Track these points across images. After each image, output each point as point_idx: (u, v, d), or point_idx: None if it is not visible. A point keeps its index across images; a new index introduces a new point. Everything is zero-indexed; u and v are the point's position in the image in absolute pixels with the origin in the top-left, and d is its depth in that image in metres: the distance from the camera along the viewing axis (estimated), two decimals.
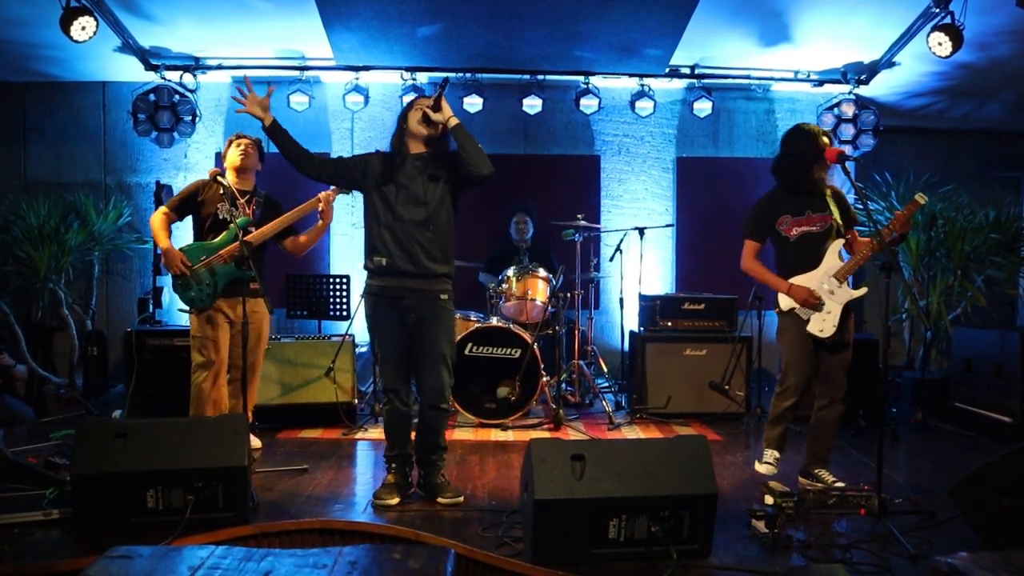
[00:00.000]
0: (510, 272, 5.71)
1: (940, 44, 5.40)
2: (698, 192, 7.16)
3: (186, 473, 3.07)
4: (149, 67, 6.46)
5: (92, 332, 6.57)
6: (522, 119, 6.84)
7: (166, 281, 4.23)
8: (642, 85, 6.77)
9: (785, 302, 3.78)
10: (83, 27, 5.26)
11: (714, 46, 6.41)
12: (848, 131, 6.66)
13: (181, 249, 4.16)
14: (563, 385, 5.70)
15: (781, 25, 5.98)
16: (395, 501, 3.49)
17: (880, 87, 6.71)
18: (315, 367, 5.26)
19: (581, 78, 6.67)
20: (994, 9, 5.35)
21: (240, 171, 4.33)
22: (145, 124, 6.42)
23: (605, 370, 6.42)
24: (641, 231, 6.10)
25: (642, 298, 5.90)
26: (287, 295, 6.07)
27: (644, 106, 6.77)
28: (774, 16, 5.87)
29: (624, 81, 6.85)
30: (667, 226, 6.68)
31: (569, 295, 5.97)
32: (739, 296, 5.69)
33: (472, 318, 5.53)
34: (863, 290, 3.79)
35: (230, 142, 4.36)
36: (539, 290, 5.60)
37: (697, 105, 6.80)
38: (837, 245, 3.75)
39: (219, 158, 4.43)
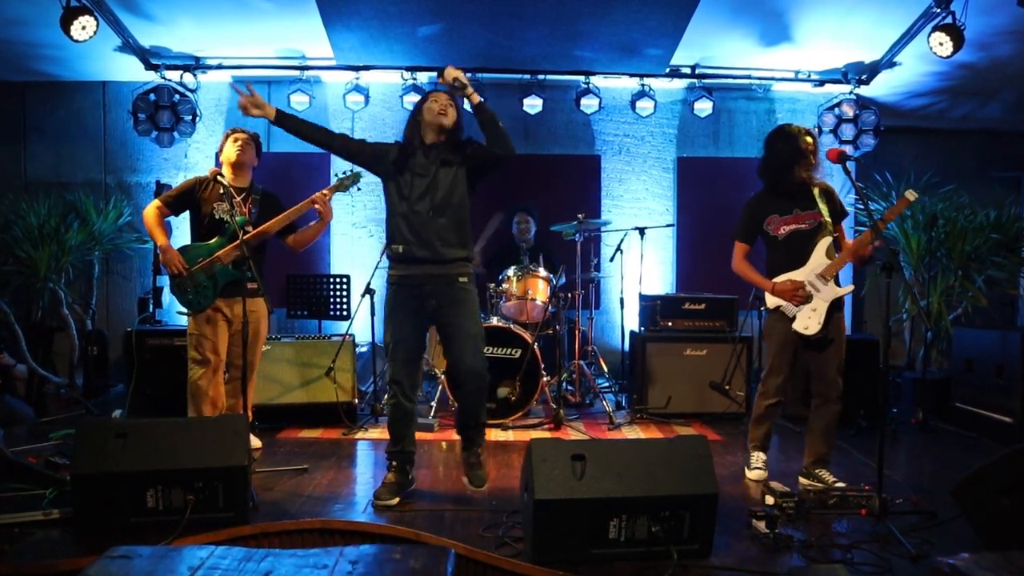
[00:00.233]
0: (510, 272, 5.70)
1: (941, 44, 5.40)
2: (699, 192, 7.15)
3: (186, 473, 3.07)
4: (149, 67, 6.46)
5: (92, 332, 6.57)
6: (523, 119, 6.83)
7: (166, 281, 4.21)
8: (643, 85, 6.76)
9: (771, 300, 3.83)
10: (83, 27, 5.26)
11: (715, 46, 6.40)
12: (849, 131, 6.66)
13: (179, 250, 4.14)
14: (563, 385, 5.70)
15: (782, 25, 5.98)
16: (395, 502, 3.48)
17: (881, 87, 6.70)
18: (315, 367, 5.26)
19: (582, 78, 6.67)
20: (995, 9, 5.35)
21: (236, 167, 4.29)
22: (145, 124, 6.42)
23: (605, 370, 6.42)
24: (642, 231, 6.10)
25: (642, 298, 5.90)
26: (287, 295, 6.07)
27: (645, 106, 6.77)
28: (775, 16, 5.87)
29: (625, 81, 6.84)
30: (667, 226, 6.68)
31: (569, 295, 5.96)
32: (739, 296, 5.69)
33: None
34: (849, 288, 3.83)
35: (227, 136, 4.32)
36: (539, 290, 5.59)
37: (698, 105, 6.80)
38: (824, 243, 3.78)
39: (218, 157, 4.39)
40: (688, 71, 6.77)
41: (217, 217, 4.21)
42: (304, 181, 6.50)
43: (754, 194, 3.97)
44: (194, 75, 6.67)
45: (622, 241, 6.15)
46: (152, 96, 6.41)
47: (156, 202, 4.26)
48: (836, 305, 3.76)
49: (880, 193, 6.63)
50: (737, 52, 6.48)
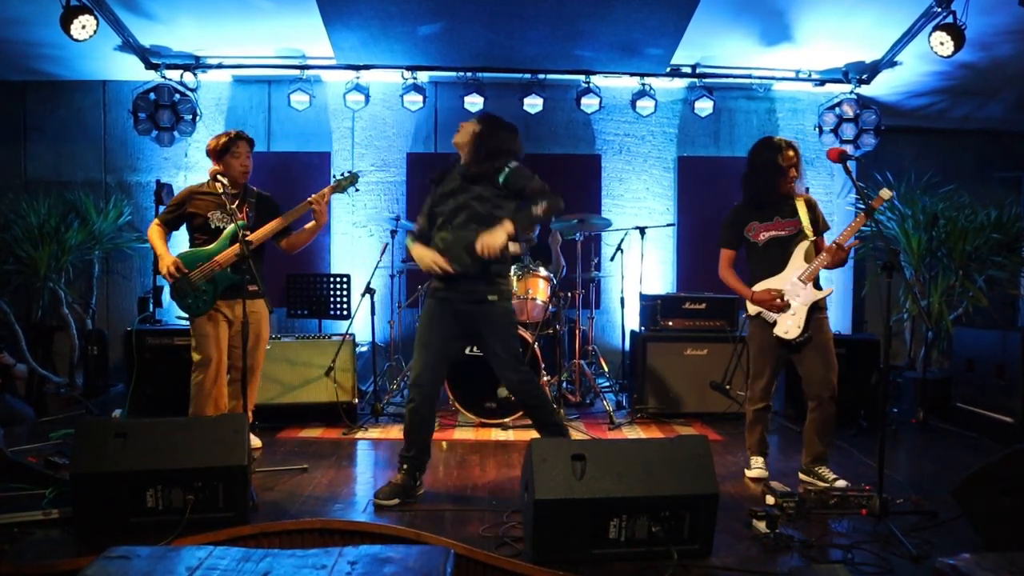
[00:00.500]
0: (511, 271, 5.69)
1: (942, 44, 5.39)
2: (699, 191, 7.15)
3: (186, 473, 3.06)
4: (149, 66, 6.45)
5: (92, 331, 6.57)
6: (523, 118, 6.82)
7: (166, 281, 4.19)
8: (643, 84, 6.76)
9: (752, 307, 3.92)
10: (83, 26, 5.25)
11: (715, 45, 6.40)
12: (849, 131, 6.65)
13: (178, 256, 4.12)
14: (564, 385, 5.70)
15: (783, 25, 5.97)
16: (394, 503, 3.47)
17: (881, 87, 6.70)
18: (315, 366, 5.26)
19: (582, 77, 6.67)
20: (996, 9, 5.34)
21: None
22: (145, 123, 6.41)
23: (606, 370, 6.42)
24: (642, 230, 6.09)
25: (643, 298, 5.90)
26: (287, 294, 6.07)
27: (645, 105, 6.77)
28: (775, 16, 5.86)
29: (625, 80, 6.84)
30: (668, 225, 6.68)
31: (570, 294, 5.96)
32: (739, 296, 5.67)
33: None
34: (829, 290, 3.87)
35: (227, 143, 4.20)
36: (540, 289, 5.58)
37: (698, 104, 6.80)
38: (804, 247, 3.82)
39: (209, 151, 4.28)
40: (689, 71, 6.76)
41: (213, 226, 4.20)
42: (304, 180, 6.51)
43: (736, 204, 4.05)
44: (194, 74, 6.67)
45: (622, 241, 6.14)
46: (152, 95, 6.40)
47: (156, 221, 4.28)
48: (817, 307, 3.79)
49: None
50: (738, 52, 6.47)
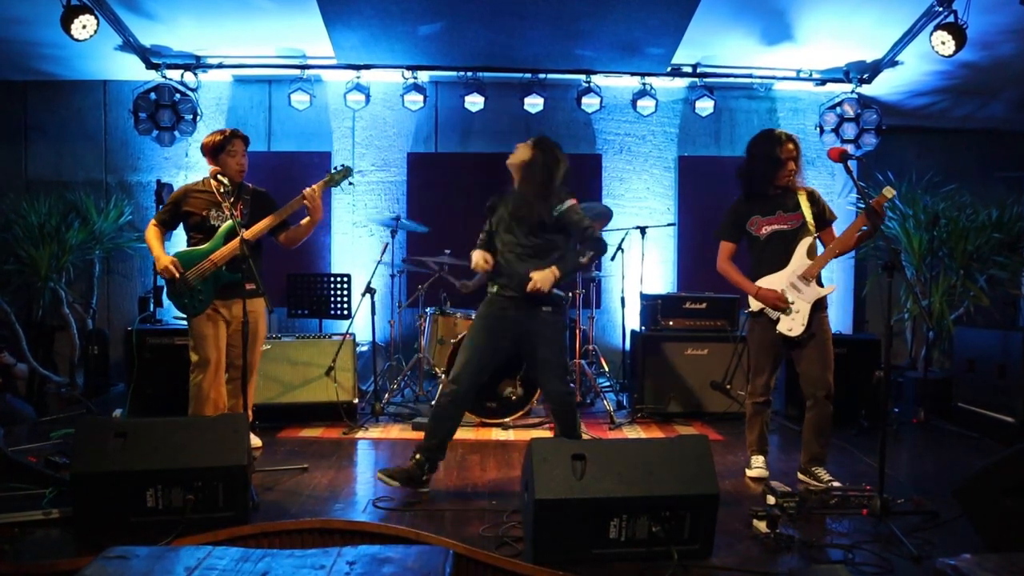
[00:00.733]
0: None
1: (943, 43, 5.38)
2: (700, 191, 7.14)
3: (186, 472, 3.06)
4: (150, 66, 6.45)
5: (93, 331, 6.57)
6: (524, 118, 6.82)
7: (164, 280, 4.18)
8: (644, 84, 6.75)
9: (755, 304, 3.87)
10: (84, 26, 5.25)
11: (716, 45, 6.39)
12: (850, 130, 6.64)
13: (175, 255, 4.11)
14: None
15: (783, 24, 5.97)
16: (394, 484, 3.57)
17: (883, 86, 6.69)
18: (316, 366, 5.26)
19: (583, 77, 6.66)
20: (997, 8, 5.33)
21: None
22: (146, 123, 6.41)
23: (606, 369, 6.41)
24: (643, 230, 6.09)
25: (643, 297, 5.89)
26: (288, 294, 6.07)
27: (646, 105, 6.76)
28: (776, 15, 5.86)
29: (626, 80, 6.83)
30: (668, 225, 6.67)
31: (570, 294, 5.95)
32: (740, 295, 5.65)
33: (473, 317, 5.51)
34: (831, 287, 3.84)
35: (223, 141, 4.18)
36: None
37: (699, 104, 6.79)
38: (806, 243, 3.79)
39: (204, 148, 4.26)
40: (689, 70, 6.76)
41: (210, 224, 4.19)
42: (305, 179, 6.41)
43: (737, 198, 4.01)
44: (195, 74, 6.66)
45: (623, 240, 6.14)
46: (153, 95, 6.40)
47: (153, 222, 4.28)
48: (819, 305, 3.77)
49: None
50: (739, 51, 6.46)
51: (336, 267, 6.97)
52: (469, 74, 6.69)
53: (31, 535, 3.02)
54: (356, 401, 5.35)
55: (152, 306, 6.23)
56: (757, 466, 4.02)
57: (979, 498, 2.97)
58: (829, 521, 3.32)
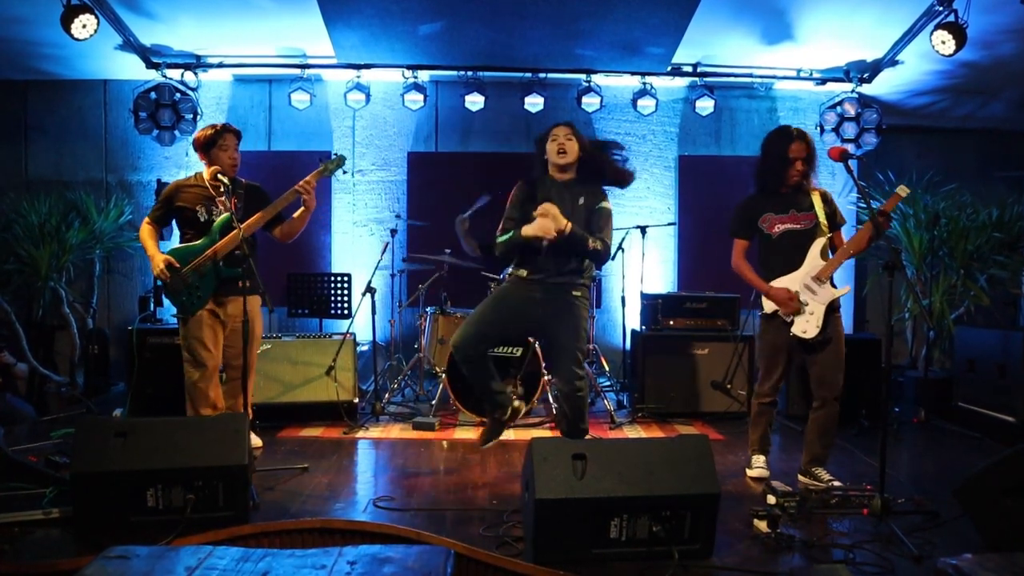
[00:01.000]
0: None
1: (943, 42, 5.37)
2: (700, 191, 7.14)
3: (186, 472, 3.06)
4: (150, 65, 6.45)
5: (93, 330, 6.57)
6: (524, 117, 6.82)
7: (160, 279, 4.16)
8: (644, 83, 6.75)
9: (769, 305, 3.84)
10: (84, 25, 5.24)
11: (716, 44, 6.39)
12: (851, 130, 6.63)
13: (168, 253, 4.11)
14: None
15: (784, 23, 5.96)
16: (491, 444, 3.89)
17: (883, 86, 6.69)
18: (316, 365, 5.26)
19: (583, 76, 6.66)
20: (998, 7, 5.32)
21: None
22: (146, 122, 6.41)
23: (607, 369, 6.41)
24: (643, 229, 6.09)
25: (644, 297, 5.89)
26: (288, 293, 6.07)
27: (646, 104, 6.76)
28: (777, 14, 5.85)
29: (626, 79, 6.83)
30: (669, 224, 6.67)
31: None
32: (741, 295, 5.68)
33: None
34: (846, 288, 3.82)
35: (214, 136, 4.16)
36: None
37: (699, 103, 6.79)
38: (819, 244, 3.77)
39: (196, 143, 4.23)
40: (690, 69, 6.75)
41: (203, 219, 4.16)
42: (301, 175, 6.48)
43: (750, 193, 3.99)
44: (195, 73, 6.66)
45: (623, 240, 6.14)
46: (153, 95, 6.40)
47: (146, 220, 4.25)
48: (833, 306, 3.75)
49: (882, 192, 6.61)
50: (739, 50, 6.46)
51: (336, 266, 6.97)
52: (469, 73, 6.68)
53: (31, 535, 3.02)
54: (356, 401, 5.35)
55: (152, 305, 6.22)
56: (758, 466, 4.02)
57: (980, 498, 2.97)
58: (830, 521, 3.32)
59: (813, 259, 3.76)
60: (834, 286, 3.77)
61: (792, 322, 3.76)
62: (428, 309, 5.82)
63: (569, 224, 3.56)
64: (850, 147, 6.52)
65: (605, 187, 3.83)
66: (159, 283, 6.20)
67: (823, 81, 6.82)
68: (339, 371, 5.23)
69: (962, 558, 2.32)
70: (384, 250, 5.68)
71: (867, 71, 6.58)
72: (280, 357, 5.25)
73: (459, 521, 3.28)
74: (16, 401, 5.52)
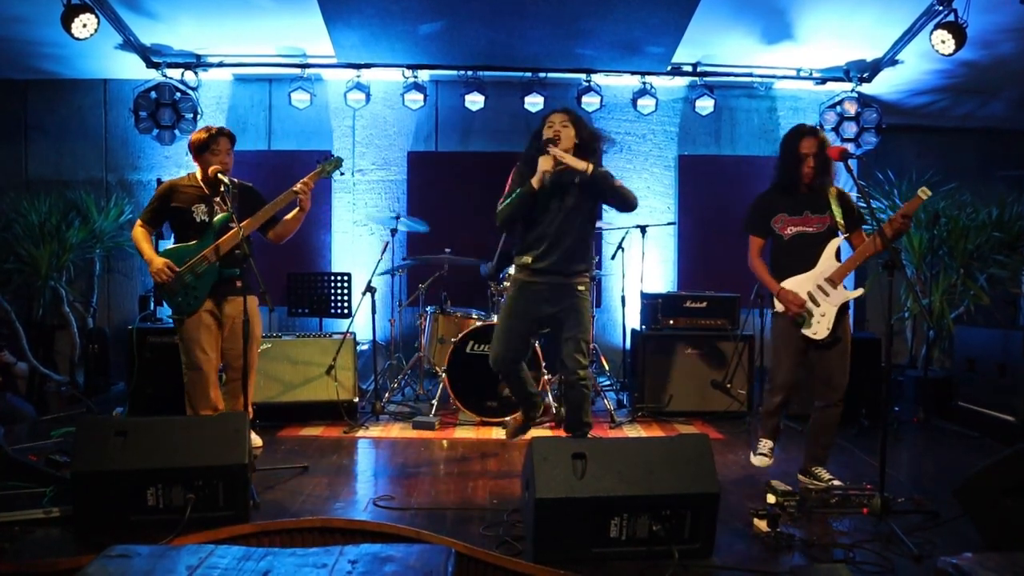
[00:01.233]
0: (511, 271, 5.68)
1: (943, 42, 5.38)
2: (700, 190, 7.14)
3: (186, 471, 3.06)
4: (150, 64, 6.45)
5: (93, 330, 6.57)
6: (524, 117, 6.81)
7: (159, 281, 4.13)
8: (644, 83, 6.75)
9: (780, 304, 3.81)
10: (84, 24, 5.25)
11: (716, 44, 6.39)
12: (850, 129, 6.64)
13: (163, 253, 4.10)
14: None
15: (784, 23, 5.96)
16: (518, 438, 4.39)
17: (883, 85, 6.69)
18: (316, 365, 5.26)
19: (583, 76, 6.66)
20: (997, 7, 5.32)
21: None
22: (146, 121, 6.41)
23: (607, 368, 6.41)
24: (643, 229, 6.08)
25: (644, 296, 5.89)
26: (288, 293, 6.07)
27: (646, 104, 6.76)
28: (777, 14, 5.85)
29: (626, 79, 6.83)
30: (669, 224, 6.67)
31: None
32: (741, 295, 5.68)
33: (474, 316, 5.52)
34: (859, 291, 3.80)
35: (207, 140, 4.14)
36: None
37: (699, 103, 6.79)
38: (834, 245, 3.74)
39: (190, 144, 4.23)
40: (690, 69, 6.75)
41: (199, 220, 4.14)
42: (300, 176, 6.49)
43: (767, 189, 3.95)
44: (195, 73, 6.66)
45: (623, 239, 6.14)
46: (153, 94, 6.40)
47: (138, 223, 4.20)
48: (843, 308, 3.73)
49: (882, 191, 6.62)
50: (739, 50, 6.46)
51: (336, 266, 6.97)
52: (469, 73, 6.68)
53: (32, 534, 3.02)
54: (356, 400, 5.35)
55: (152, 305, 6.22)
56: (762, 452, 3.94)
57: (979, 497, 2.97)
58: (830, 520, 3.32)
59: (828, 259, 3.72)
60: (846, 288, 3.74)
61: (802, 322, 3.73)
62: (428, 308, 5.82)
63: (591, 165, 3.71)
64: (850, 146, 6.52)
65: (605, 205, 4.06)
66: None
67: (823, 80, 6.82)
68: (339, 370, 5.24)
69: (962, 557, 2.32)
70: (384, 250, 5.68)
71: (867, 71, 6.58)
72: (280, 356, 5.25)
73: (459, 520, 3.28)
74: (16, 400, 5.52)
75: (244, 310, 3.69)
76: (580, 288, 3.90)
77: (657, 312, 5.69)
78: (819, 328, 3.69)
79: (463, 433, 5.04)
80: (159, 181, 6.32)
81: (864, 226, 3.87)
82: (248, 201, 4.22)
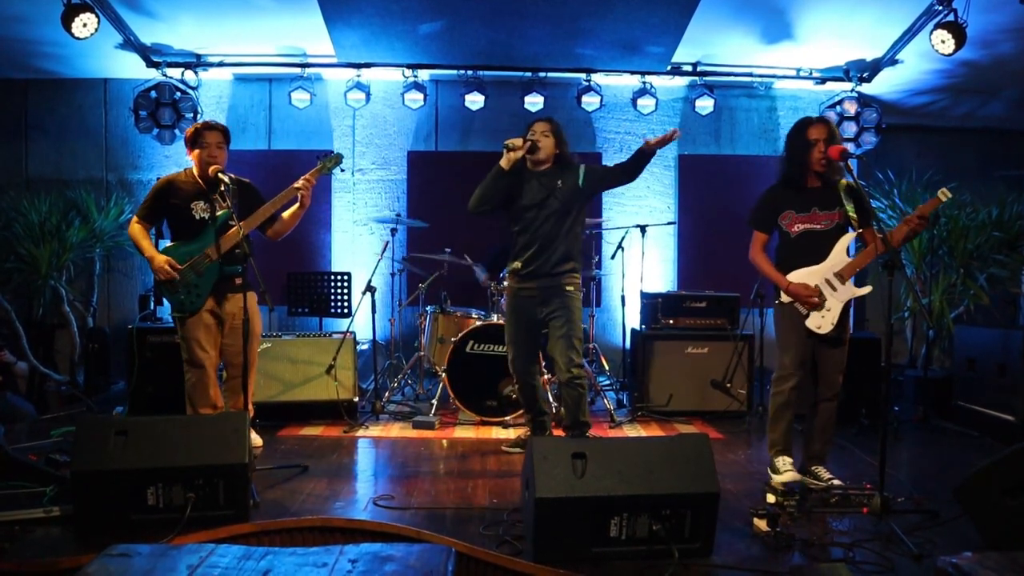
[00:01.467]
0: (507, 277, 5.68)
1: (943, 42, 5.38)
2: (700, 190, 7.15)
3: (187, 471, 3.06)
4: (150, 64, 6.45)
5: (93, 329, 6.57)
6: (524, 116, 6.78)
7: (160, 279, 4.14)
8: (644, 83, 6.75)
9: (786, 296, 3.76)
10: (84, 24, 5.25)
11: (716, 43, 6.39)
12: (850, 129, 6.64)
13: (164, 250, 4.09)
14: None
15: (784, 23, 5.97)
16: (517, 451, 4.44)
17: (883, 85, 6.69)
18: (316, 364, 5.26)
19: (583, 75, 6.66)
20: (997, 7, 5.33)
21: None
22: (146, 121, 6.41)
23: (607, 368, 6.42)
24: (643, 228, 6.08)
25: (644, 296, 5.89)
26: (288, 292, 6.07)
27: (646, 104, 6.76)
28: (777, 13, 5.86)
29: (626, 79, 6.83)
30: (669, 223, 6.67)
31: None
32: (741, 294, 5.68)
33: (474, 315, 5.52)
34: (867, 288, 3.76)
35: (194, 133, 4.14)
36: None
37: (699, 103, 6.79)
38: (846, 241, 3.69)
39: (185, 138, 4.24)
40: (690, 69, 6.76)
41: (198, 217, 4.13)
42: (299, 175, 6.49)
43: (774, 184, 3.87)
44: (195, 72, 6.67)
45: (623, 239, 6.14)
46: (153, 93, 6.40)
47: (135, 219, 4.18)
48: (847, 305, 3.71)
49: (882, 191, 6.62)
50: (739, 50, 6.47)
51: (336, 265, 6.97)
52: (469, 72, 6.69)
53: (32, 533, 3.02)
54: (356, 399, 5.35)
55: (152, 304, 6.21)
56: (786, 469, 3.75)
57: (979, 497, 2.97)
58: (830, 519, 3.32)
59: (838, 255, 3.67)
60: (855, 284, 3.70)
61: (808, 315, 3.68)
62: (428, 308, 5.82)
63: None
64: (850, 146, 6.50)
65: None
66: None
67: (823, 80, 6.83)
68: (339, 370, 5.24)
69: (962, 556, 2.32)
70: (384, 249, 5.68)
71: (867, 70, 6.58)
72: (280, 356, 5.25)
73: (459, 520, 3.28)
74: (16, 400, 5.53)
75: (244, 307, 3.68)
76: (568, 288, 4.06)
77: (657, 312, 5.69)
78: (824, 323, 3.65)
79: (463, 433, 5.04)
80: (159, 180, 6.33)
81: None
82: (246, 197, 4.20)
